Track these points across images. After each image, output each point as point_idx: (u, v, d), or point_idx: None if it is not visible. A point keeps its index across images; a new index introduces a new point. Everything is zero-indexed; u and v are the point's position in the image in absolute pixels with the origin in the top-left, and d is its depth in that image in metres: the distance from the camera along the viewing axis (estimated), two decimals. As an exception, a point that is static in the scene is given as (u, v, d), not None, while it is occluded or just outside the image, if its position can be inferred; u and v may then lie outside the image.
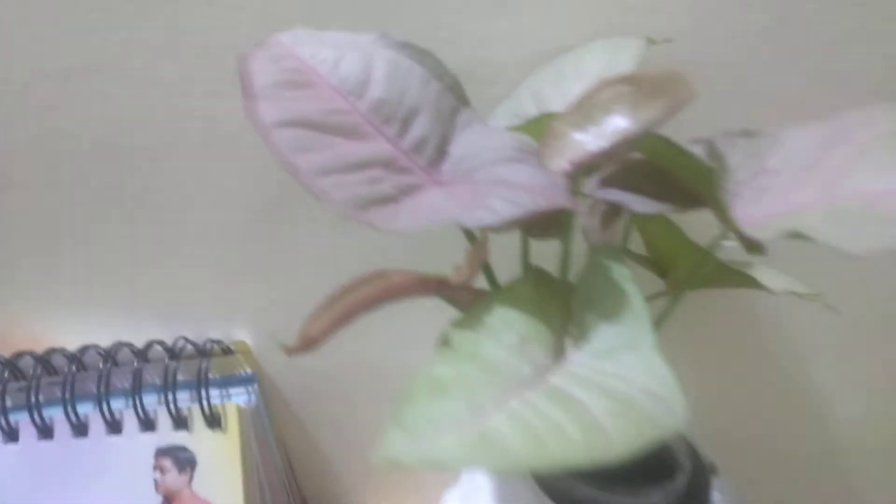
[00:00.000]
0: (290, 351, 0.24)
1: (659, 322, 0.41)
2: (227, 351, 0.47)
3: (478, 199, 0.23)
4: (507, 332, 0.23)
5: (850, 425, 0.43)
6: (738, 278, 0.33)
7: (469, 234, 0.29)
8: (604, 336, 0.22)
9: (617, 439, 0.17)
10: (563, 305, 0.25)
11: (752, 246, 0.31)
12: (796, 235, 0.21)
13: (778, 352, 0.41)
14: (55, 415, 0.44)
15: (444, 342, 0.21)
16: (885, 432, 0.43)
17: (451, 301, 0.26)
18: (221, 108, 0.40)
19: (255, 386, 0.47)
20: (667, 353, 0.41)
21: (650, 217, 0.33)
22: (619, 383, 0.20)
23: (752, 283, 0.33)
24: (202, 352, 0.45)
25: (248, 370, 0.48)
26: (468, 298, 0.25)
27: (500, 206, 0.22)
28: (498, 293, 0.24)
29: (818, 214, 0.21)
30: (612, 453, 0.17)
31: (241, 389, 0.46)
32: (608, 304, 0.23)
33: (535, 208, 0.22)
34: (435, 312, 0.37)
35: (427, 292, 0.24)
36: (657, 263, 0.35)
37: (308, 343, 0.23)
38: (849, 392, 0.41)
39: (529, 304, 0.24)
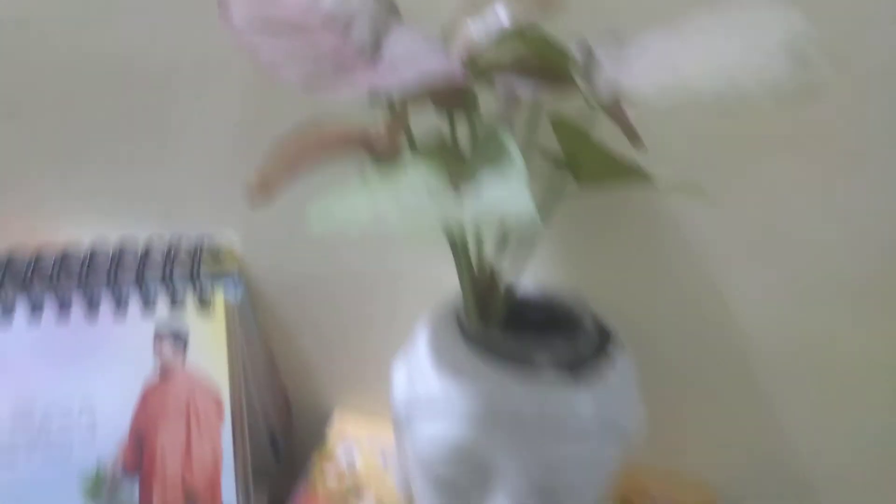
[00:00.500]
0: (252, 194, 0.31)
1: (572, 212, 0.48)
2: (216, 254, 0.54)
3: (392, 73, 0.30)
4: (415, 177, 0.30)
5: (751, 322, 0.50)
6: (633, 174, 0.40)
7: (393, 110, 0.37)
8: (487, 179, 0.30)
9: (471, 215, 0.25)
10: (462, 164, 0.32)
11: (634, 138, 0.38)
12: (624, 98, 0.28)
13: (684, 253, 0.48)
14: (72, 301, 0.52)
15: (362, 178, 0.29)
16: (785, 330, 0.50)
17: (377, 161, 0.33)
18: (214, 38, 0.48)
19: (241, 286, 0.55)
20: (581, 249, 0.48)
21: (564, 124, 0.40)
22: (489, 202, 0.27)
23: (643, 178, 0.40)
24: (195, 251, 0.53)
25: (236, 272, 0.55)
26: (392, 160, 0.33)
27: (407, 76, 0.29)
28: (412, 154, 0.32)
29: (644, 83, 0.29)
30: (461, 220, 0.24)
31: (228, 287, 0.54)
32: (493, 158, 0.31)
33: (433, 76, 0.29)
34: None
35: (357, 147, 0.31)
36: (570, 164, 0.43)
37: (265, 185, 0.31)
38: (750, 294, 0.48)
39: (436, 161, 0.32)
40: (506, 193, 0.27)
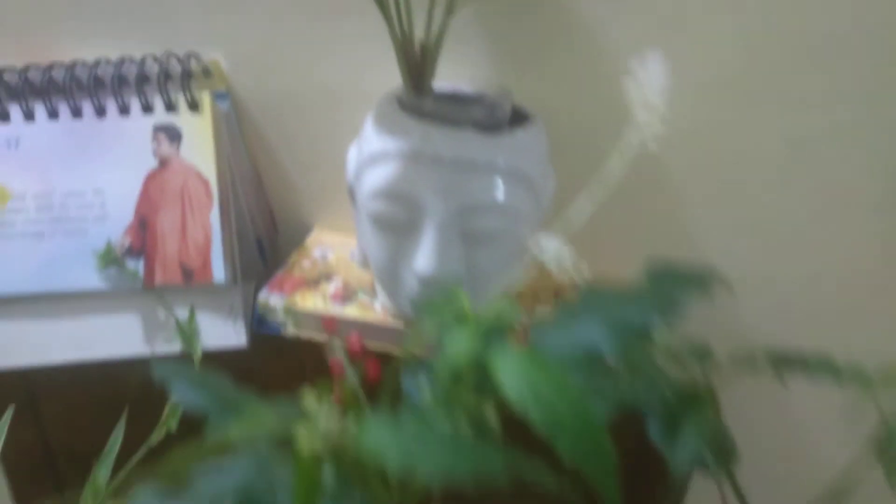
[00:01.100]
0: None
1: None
2: (206, 70, 0.63)
3: None
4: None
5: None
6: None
7: None
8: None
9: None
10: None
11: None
12: None
13: (588, 46, 0.55)
14: (82, 107, 0.61)
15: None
16: (677, 121, 0.57)
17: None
18: None
19: (228, 100, 0.63)
20: (501, 47, 0.56)
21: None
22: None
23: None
24: (186, 67, 0.61)
25: (224, 87, 0.64)
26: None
27: None
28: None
29: None
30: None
31: (217, 98, 0.62)
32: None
33: None
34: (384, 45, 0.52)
35: None
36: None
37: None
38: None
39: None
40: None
